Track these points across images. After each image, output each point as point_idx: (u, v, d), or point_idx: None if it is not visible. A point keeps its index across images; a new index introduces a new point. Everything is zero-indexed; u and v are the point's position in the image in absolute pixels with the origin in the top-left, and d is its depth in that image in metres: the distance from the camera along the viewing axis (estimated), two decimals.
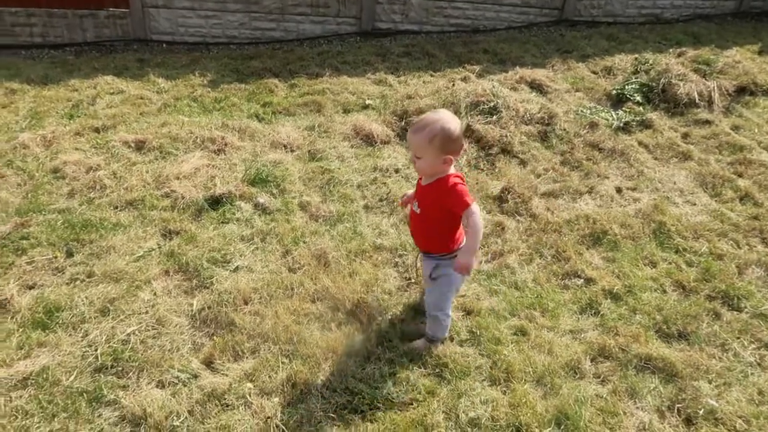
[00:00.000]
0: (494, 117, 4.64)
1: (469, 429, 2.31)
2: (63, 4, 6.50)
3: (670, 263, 3.33)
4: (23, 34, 6.65)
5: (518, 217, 3.70)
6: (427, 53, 6.46)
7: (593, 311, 2.98)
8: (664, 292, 3.12)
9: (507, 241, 3.46)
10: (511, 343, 2.73)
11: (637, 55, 6.14)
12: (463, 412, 2.37)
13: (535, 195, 3.90)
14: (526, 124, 4.69)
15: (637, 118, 4.90)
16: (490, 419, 2.35)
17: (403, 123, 4.73)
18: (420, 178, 2.52)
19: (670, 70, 5.40)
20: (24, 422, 2.24)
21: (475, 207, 2.32)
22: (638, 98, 5.27)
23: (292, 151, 4.36)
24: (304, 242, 3.34)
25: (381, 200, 3.81)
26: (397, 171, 4.15)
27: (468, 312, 2.91)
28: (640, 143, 4.63)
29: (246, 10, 6.80)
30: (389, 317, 2.83)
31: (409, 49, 6.58)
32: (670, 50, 6.41)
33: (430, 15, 7.28)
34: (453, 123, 2.33)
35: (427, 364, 2.58)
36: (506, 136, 4.46)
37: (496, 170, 4.21)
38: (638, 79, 5.52)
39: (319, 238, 3.38)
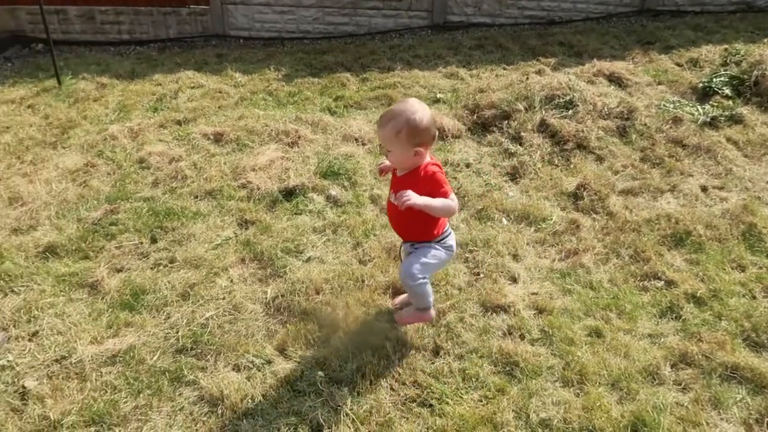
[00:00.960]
0: (570, 111, 4.50)
1: (539, 429, 2.27)
2: (149, 2, 6.83)
3: (760, 268, 3.13)
4: (112, 32, 7.05)
5: (594, 215, 3.58)
6: (500, 46, 6.35)
7: (674, 315, 2.84)
8: (754, 297, 2.94)
9: (582, 239, 3.36)
10: (585, 344, 2.65)
11: (726, 46, 5.79)
12: (534, 412, 2.32)
13: (612, 192, 3.76)
14: (604, 119, 4.52)
15: (726, 113, 4.62)
16: (561, 421, 2.29)
17: (474, 117, 4.67)
18: (395, 169, 2.45)
19: (764, 62, 5.05)
20: (113, 396, 2.38)
21: (453, 198, 2.28)
22: (727, 92, 4.96)
23: (363, 144, 4.40)
24: (375, 235, 3.37)
25: None
26: (467, 165, 4.10)
27: (540, 310, 2.85)
28: (728, 139, 4.36)
29: (320, 5, 6.92)
30: (459, 313, 2.81)
31: (482, 42, 6.49)
32: (765, 40, 6.00)
33: (504, 7, 7.14)
34: (419, 113, 2.23)
35: (497, 361, 2.55)
36: (582, 131, 4.32)
37: (571, 166, 4.08)
38: (728, 72, 5.20)
39: (390, 232, 3.39)
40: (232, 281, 3.03)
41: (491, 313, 2.82)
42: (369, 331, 2.68)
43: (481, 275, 3.07)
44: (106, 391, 2.41)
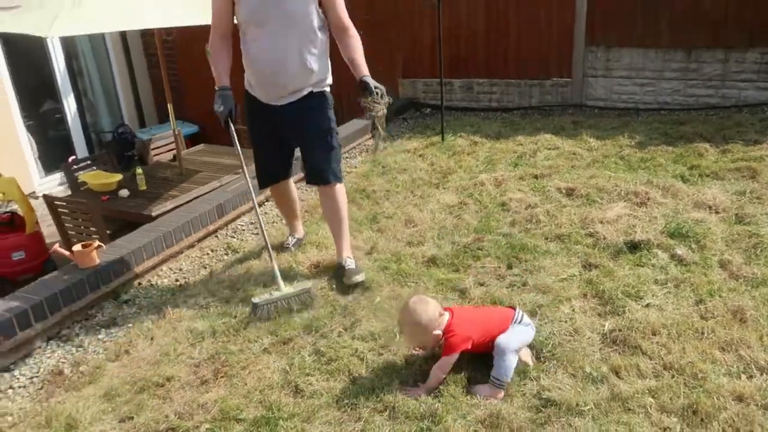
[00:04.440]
0: None
1: None
2: (519, 75, 7.95)
3: None
4: (484, 100, 8.38)
5: None
6: None
7: None
8: None
9: None
10: None
11: None
12: None
13: None
14: None
15: None
16: None
17: None
18: None
19: None
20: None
21: (444, 361, 2.87)
22: None
23: (717, 212, 4.39)
24: (720, 296, 3.41)
25: None
26: None
27: None
28: None
29: (683, 77, 7.00)
30: None
31: None
32: None
33: None
34: (413, 315, 2.87)
35: None
36: None
37: None
38: None
39: (738, 296, 3.39)
40: (573, 310, 3.47)
41: None
42: (703, 377, 2.80)
43: None
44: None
